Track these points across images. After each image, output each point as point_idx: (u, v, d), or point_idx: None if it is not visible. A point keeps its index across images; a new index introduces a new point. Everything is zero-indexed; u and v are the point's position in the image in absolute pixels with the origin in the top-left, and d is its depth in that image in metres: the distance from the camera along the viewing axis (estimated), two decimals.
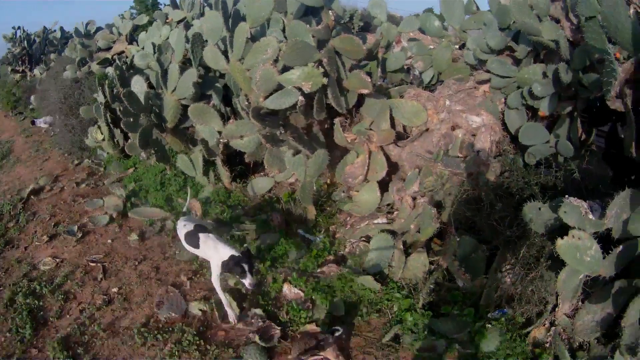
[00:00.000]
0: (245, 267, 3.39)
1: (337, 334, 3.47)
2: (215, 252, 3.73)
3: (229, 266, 3.51)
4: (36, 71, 12.92)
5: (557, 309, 3.10)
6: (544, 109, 4.28)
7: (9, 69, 14.26)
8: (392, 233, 4.25)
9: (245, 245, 4.34)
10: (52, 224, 5.61)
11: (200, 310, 3.93)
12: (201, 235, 3.86)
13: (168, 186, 5.86)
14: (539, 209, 3.04)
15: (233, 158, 5.62)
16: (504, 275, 3.48)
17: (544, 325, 3.19)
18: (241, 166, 5.61)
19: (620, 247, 2.76)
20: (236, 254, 3.50)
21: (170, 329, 3.82)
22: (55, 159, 7.96)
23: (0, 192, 6.92)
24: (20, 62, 14.13)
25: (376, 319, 3.68)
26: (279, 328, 3.69)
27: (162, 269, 4.51)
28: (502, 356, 3.14)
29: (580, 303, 3.05)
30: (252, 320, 3.77)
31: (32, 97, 11.38)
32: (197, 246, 3.92)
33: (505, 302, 3.43)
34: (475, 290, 3.62)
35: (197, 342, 3.63)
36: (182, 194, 5.68)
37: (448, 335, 3.32)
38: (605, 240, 2.78)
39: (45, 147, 8.59)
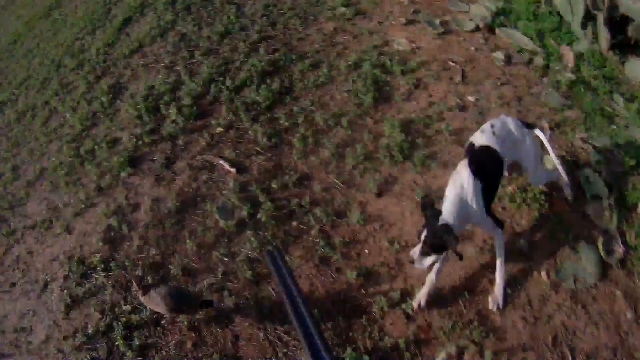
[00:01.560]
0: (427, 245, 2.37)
1: None
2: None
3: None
4: None
5: None
6: None
7: None
8: None
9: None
10: (411, 9, 5.31)
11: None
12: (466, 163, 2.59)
13: (541, 21, 4.82)
14: None
15: (615, 24, 4.18)
16: None
17: None
18: (622, 37, 4.15)
19: None
20: (446, 222, 2.37)
21: None
22: None
23: None
24: None
25: None
26: (623, 248, 2.89)
27: (525, 103, 3.85)
28: None
29: None
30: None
31: None
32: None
33: None
34: None
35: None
36: (555, 36, 4.63)
37: None
38: None
39: None
